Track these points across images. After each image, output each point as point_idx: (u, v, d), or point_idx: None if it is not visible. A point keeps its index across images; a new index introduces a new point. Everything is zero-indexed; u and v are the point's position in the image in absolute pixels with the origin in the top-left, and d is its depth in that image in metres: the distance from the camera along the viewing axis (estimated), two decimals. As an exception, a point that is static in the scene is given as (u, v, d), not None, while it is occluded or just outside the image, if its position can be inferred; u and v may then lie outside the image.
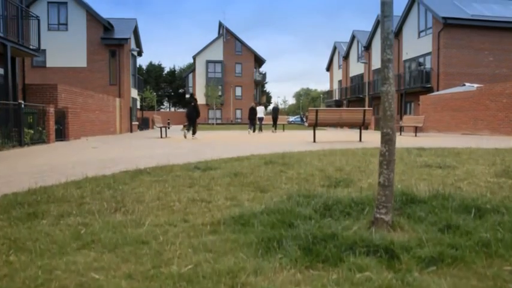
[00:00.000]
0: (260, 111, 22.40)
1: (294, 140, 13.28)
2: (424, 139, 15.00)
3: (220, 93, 51.88)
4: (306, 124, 11.43)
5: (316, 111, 11.63)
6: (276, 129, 23.01)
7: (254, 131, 21.94)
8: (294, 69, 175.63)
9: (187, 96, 16.54)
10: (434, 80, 25.66)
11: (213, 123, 48.64)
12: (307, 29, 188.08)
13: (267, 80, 67.33)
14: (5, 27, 12.36)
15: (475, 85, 22.57)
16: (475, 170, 5.12)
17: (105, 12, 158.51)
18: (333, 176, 4.72)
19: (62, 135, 13.87)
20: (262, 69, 61.67)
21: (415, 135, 18.67)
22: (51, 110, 12.54)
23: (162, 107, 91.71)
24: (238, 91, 55.22)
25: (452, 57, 24.80)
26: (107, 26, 25.92)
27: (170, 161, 7.08)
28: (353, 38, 39.70)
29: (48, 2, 25.56)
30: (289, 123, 49.58)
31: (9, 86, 12.71)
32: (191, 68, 63.01)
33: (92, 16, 25.51)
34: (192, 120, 16.17)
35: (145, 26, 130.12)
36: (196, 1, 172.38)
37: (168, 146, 11.54)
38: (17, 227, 2.76)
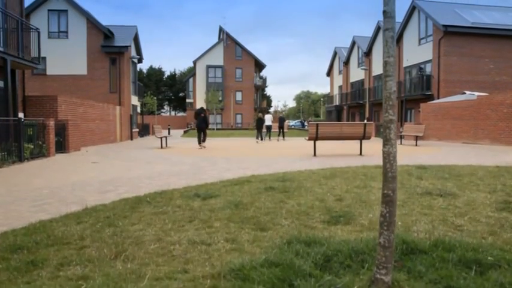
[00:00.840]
0: (268, 119, 23.24)
1: (295, 153, 13.25)
2: (424, 150, 14.98)
3: (220, 99, 51.94)
4: (308, 137, 11.52)
5: (317, 125, 11.63)
6: (280, 136, 24.56)
7: (262, 139, 22.85)
8: (295, 71, 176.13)
9: (197, 108, 19.04)
10: (434, 88, 25.66)
11: (213, 129, 48.56)
12: (308, 31, 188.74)
13: (267, 84, 67.61)
14: (5, 40, 12.37)
15: (476, 93, 22.58)
16: (476, 200, 5.10)
17: (107, 16, 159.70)
18: (333, 208, 4.70)
19: (62, 147, 13.87)
20: (263, 73, 61.74)
21: (416, 145, 18.67)
22: (51, 123, 12.55)
23: (162, 110, 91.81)
24: (239, 96, 55.28)
25: (453, 64, 24.81)
26: (107, 34, 25.95)
27: (170, 183, 7.09)
28: (353, 43, 39.72)
29: (49, 10, 25.59)
30: (290, 127, 49.53)
31: (9, 99, 12.72)
32: (191, 72, 63.12)
33: (92, 24, 25.55)
34: (202, 130, 17.30)
35: (146, 29, 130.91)
36: (196, 4, 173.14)
37: (168, 160, 11.52)
38: (16, 282, 2.75)
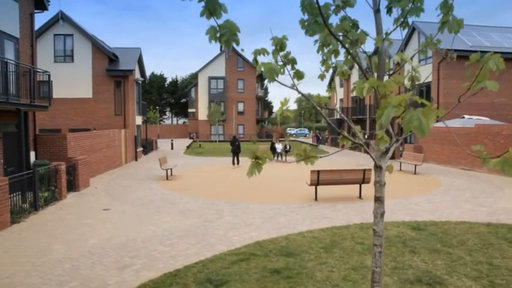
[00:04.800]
0: (278, 147, 28.13)
1: (297, 195, 13.70)
2: (422, 184, 15.39)
3: (222, 110, 52.53)
4: (309, 183, 12.06)
5: (318, 172, 12.16)
6: (284, 157, 27.97)
7: (273, 158, 27.12)
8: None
9: (233, 138, 24.64)
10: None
11: (215, 140, 49.14)
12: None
13: (269, 90, 68.73)
14: (17, 90, 12.88)
15: (474, 117, 23.10)
16: (462, 293, 5.62)
17: (111, 18, 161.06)
18: (332, 308, 5.22)
19: (72, 186, 14.39)
20: (265, 82, 62.27)
21: (415, 173, 19.17)
22: (63, 167, 13.07)
23: (164, 117, 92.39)
24: (241, 107, 55.86)
25: (452, 87, 25.28)
26: (112, 58, 26.52)
27: (181, 251, 7.62)
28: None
29: (55, 35, 26.15)
30: (291, 136, 49.70)
31: (22, 144, 13.28)
32: (193, 79, 63.86)
33: (97, 48, 26.12)
34: (236, 154, 23.04)
35: (148, 31, 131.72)
36: (199, 5, 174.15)
37: (175, 206, 12.05)
38: None
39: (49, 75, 14.92)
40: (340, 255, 7.30)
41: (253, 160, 2.84)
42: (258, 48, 3.75)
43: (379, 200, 3.03)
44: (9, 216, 9.74)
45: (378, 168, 3.02)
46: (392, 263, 6.83)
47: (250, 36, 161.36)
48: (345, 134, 3.69)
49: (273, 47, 3.74)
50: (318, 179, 12.23)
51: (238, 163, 23.12)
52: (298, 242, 8.12)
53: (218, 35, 2.54)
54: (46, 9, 16.38)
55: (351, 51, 3.61)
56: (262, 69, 3.00)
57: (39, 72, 14.93)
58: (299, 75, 3.72)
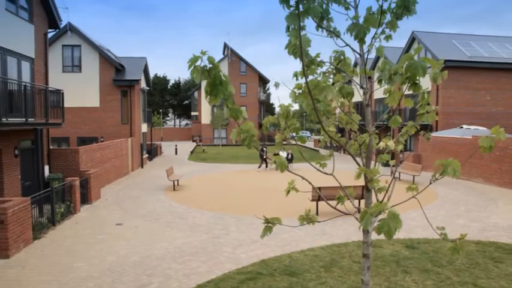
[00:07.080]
0: (282, 154, 29.39)
1: (297, 209, 14.34)
2: (419, 196, 16.02)
3: (225, 116, 53.27)
4: (311, 198, 12.73)
5: (319, 188, 12.83)
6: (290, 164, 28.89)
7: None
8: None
9: (261, 146, 26.25)
10: (432, 118, 26.76)
11: (218, 145, 49.85)
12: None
13: (270, 92, 69.48)
14: (32, 110, 13.53)
15: (472, 127, 23.72)
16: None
17: (114, 17, 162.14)
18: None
19: (85, 199, 15.09)
20: (267, 86, 62.90)
21: (413, 182, 19.79)
22: (77, 183, 13.78)
23: (167, 118, 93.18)
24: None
25: (451, 97, 25.92)
26: (119, 68, 27.23)
27: (193, 269, 8.29)
28: (355, 65, 40.77)
29: (63, 45, 26.87)
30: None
31: (39, 159, 14.00)
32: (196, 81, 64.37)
33: (104, 58, 26.83)
34: (263, 159, 27.22)
35: (152, 30, 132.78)
36: (203, 5, 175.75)
37: (184, 221, 12.73)
38: None
39: (62, 94, 15.61)
40: (338, 274, 7.98)
41: (266, 225, 3.51)
42: (266, 117, 4.50)
43: (366, 256, 3.70)
44: (31, 233, 10.45)
45: (365, 231, 3.68)
46: (386, 282, 7.50)
47: (252, 35, 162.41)
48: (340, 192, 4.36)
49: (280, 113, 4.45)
50: (319, 195, 12.89)
51: (266, 166, 27.27)
52: (300, 261, 8.80)
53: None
54: (58, 28, 17.13)
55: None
56: (275, 162, 3.65)
57: (52, 91, 15.61)
58: (302, 140, 4.41)
